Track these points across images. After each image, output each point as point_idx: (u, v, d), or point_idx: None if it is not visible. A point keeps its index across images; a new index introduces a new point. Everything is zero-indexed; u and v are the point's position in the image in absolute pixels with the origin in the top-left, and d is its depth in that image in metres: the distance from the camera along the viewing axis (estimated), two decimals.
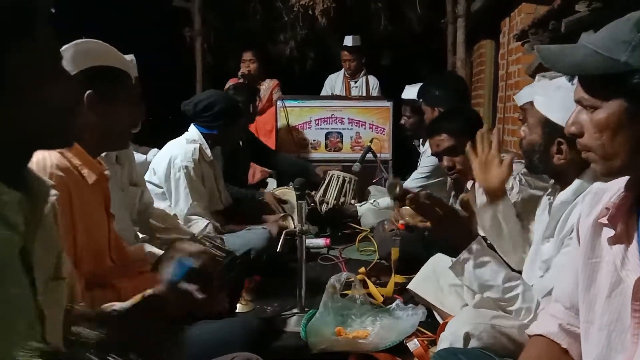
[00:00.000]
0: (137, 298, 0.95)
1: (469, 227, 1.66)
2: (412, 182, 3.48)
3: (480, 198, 2.18)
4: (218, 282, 1.06)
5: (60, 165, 1.38)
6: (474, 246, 1.57)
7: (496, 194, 1.88)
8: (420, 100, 3.30)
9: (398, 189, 3.54)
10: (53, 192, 0.91)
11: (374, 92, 5.24)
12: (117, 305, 0.97)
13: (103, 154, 2.08)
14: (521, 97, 2.88)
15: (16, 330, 0.76)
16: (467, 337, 1.50)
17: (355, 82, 5.32)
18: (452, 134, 2.41)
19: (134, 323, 0.87)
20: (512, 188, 2.23)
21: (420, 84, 3.51)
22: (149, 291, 0.96)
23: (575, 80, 1.01)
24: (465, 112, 2.67)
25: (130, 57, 2.28)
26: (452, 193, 2.98)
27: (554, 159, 1.53)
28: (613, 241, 1.00)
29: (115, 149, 1.90)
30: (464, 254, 1.57)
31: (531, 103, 1.65)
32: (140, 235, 2.58)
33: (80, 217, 1.40)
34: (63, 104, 0.84)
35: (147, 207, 2.39)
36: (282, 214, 3.19)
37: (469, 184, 2.47)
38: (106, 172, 1.60)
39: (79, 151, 1.47)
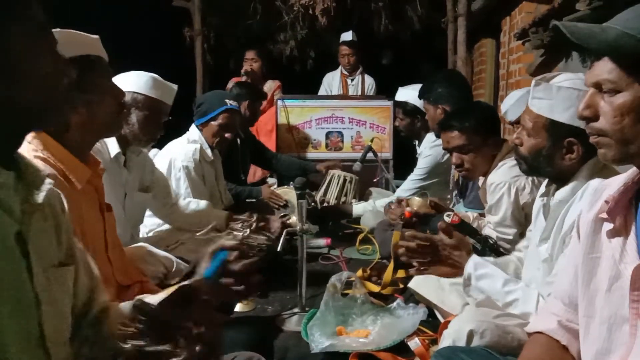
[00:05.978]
0: (170, 290, 0.95)
1: (458, 250, 1.69)
2: (408, 183, 3.48)
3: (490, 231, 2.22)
4: (252, 272, 1.09)
5: (47, 173, 1.36)
6: (470, 263, 1.64)
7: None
8: (422, 99, 3.21)
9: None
10: (48, 180, 0.91)
11: (369, 92, 5.24)
12: (149, 298, 0.96)
13: (106, 156, 2.08)
14: (510, 114, 2.88)
15: (4, 310, 0.77)
16: (470, 335, 1.49)
17: (352, 80, 5.33)
18: (464, 131, 2.36)
19: (169, 314, 0.87)
20: (524, 188, 2.22)
21: (413, 85, 3.47)
22: (184, 283, 0.96)
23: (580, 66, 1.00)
24: (480, 110, 2.57)
25: (174, 86, 2.34)
26: (455, 193, 2.98)
27: (565, 159, 1.51)
28: (612, 234, 1.01)
29: (103, 137, 1.83)
30: (465, 273, 1.65)
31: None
32: (142, 236, 2.59)
33: (73, 222, 1.39)
34: (56, 84, 0.87)
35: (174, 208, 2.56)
36: (283, 215, 3.18)
37: (480, 181, 2.46)
38: (100, 167, 1.58)
39: (64, 155, 1.43)
